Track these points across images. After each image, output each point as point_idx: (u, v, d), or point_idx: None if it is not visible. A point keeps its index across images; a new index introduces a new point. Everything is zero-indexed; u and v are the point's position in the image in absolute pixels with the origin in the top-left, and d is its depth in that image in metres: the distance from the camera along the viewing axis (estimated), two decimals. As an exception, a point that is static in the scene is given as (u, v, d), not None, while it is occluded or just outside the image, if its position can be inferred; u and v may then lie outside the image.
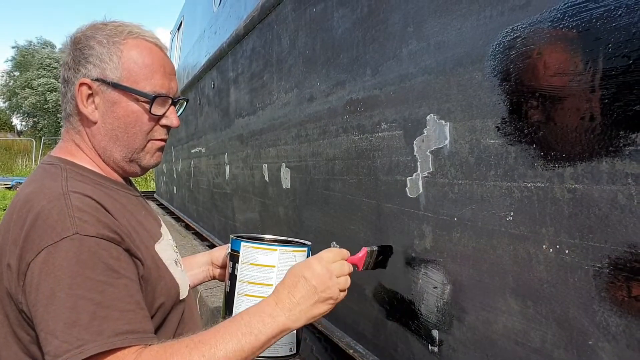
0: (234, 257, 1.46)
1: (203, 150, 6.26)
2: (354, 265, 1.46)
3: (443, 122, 1.71)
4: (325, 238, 2.74)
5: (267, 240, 1.57)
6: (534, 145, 1.33)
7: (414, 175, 1.89)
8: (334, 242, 2.64)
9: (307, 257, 1.47)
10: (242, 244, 1.47)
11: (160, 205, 11.40)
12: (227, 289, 1.48)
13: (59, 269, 1.05)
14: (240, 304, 1.44)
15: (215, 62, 5.19)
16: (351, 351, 2.42)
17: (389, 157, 2.06)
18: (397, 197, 2.02)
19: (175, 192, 9.53)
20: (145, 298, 1.21)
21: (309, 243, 1.54)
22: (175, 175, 9.39)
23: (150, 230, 1.39)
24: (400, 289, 2.02)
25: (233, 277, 1.46)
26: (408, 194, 1.94)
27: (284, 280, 1.27)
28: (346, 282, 1.32)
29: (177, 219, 8.82)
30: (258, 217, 4.01)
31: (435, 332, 1.80)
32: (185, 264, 1.64)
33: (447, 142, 1.70)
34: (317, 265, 1.27)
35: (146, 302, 1.21)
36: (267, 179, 3.71)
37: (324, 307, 1.27)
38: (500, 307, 1.48)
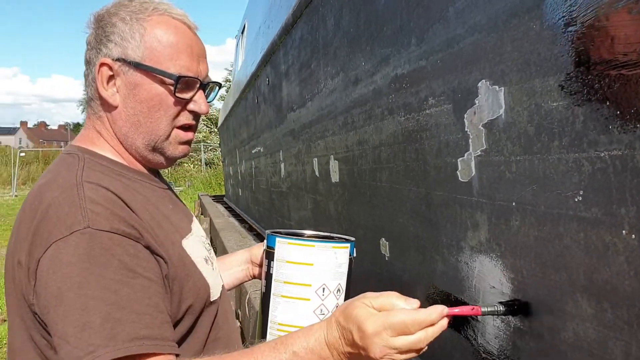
0: (269, 254, 1.32)
1: (261, 150, 6.15)
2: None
3: (497, 87, 1.43)
4: (373, 234, 2.48)
5: (305, 236, 1.37)
6: (608, 103, 1.04)
7: (466, 155, 1.61)
8: (383, 239, 2.38)
9: (349, 254, 1.30)
10: (277, 239, 1.31)
11: (228, 208, 11.49)
12: (263, 289, 1.34)
13: (67, 266, 0.96)
14: (276, 307, 1.28)
15: (268, 57, 5.05)
16: None
17: (437, 137, 1.79)
18: (447, 183, 1.74)
19: (240, 194, 9.53)
20: (172, 299, 1.10)
21: (352, 239, 1.36)
22: (239, 178, 9.39)
23: (178, 224, 1.25)
24: (453, 289, 1.74)
25: (269, 277, 1.31)
26: (459, 178, 1.66)
27: (341, 315, 1.05)
28: (409, 356, 1.03)
29: (242, 220, 8.80)
30: (310, 215, 3.80)
31: (494, 341, 1.50)
32: (224, 262, 1.52)
33: (502, 111, 1.41)
34: (372, 337, 1.00)
35: (172, 303, 1.09)
36: (317, 173, 3.50)
37: None
38: (570, 310, 1.18)
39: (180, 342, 1.12)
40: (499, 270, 1.46)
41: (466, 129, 1.60)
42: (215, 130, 29.21)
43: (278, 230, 1.40)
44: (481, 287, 1.56)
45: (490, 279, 1.51)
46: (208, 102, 1.26)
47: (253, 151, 6.96)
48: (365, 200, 2.57)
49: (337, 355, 1.02)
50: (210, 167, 37.03)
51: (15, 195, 24.53)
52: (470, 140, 1.58)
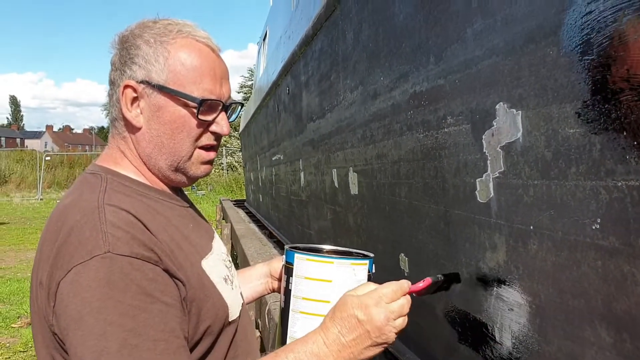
0: (288, 270, 1.32)
1: (282, 158, 6.19)
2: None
3: (514, 111, 1.43)
4: (393, 249, 2.49)
5: (323, 252, 1.39)
6: (625, 133, 1.04)
7: (484, 176, 1.61)
8: (402, 254, 2.39)
9: (368, 271, 1.29)
10: (296, 255, 1.31)
11: (248, 213, 11.55)
12: (282, 305, 1.34)
13: (87, 291, 0.98)
14: (295, 322, 1.29)
15: (289, 67, 5.08)
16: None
17: (456, 156, 1.80)
18: (466, 202, 1.74)
19: (260, 200, 9.59)
20: (190, 320, 1.11)
21: (371, 255, 1.36)
22: (260, 184, 9.45)
23: (198, 244, 1.27)
24: (472, 309, 1.74)
25: (287, 292, 1.32)
26: (478, 198, 1.66)
27: (335, 313, 1.14)
28: (403, 323, 1.16)
29: (262, 226, 8.84)
30: (330, 226, 3.82)
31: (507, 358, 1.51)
32: (243, 276, 1.53)
33: (519, 134, 1.41)
34: (373, 307, 1.13)
35: (190, 324, 1.11)
36: (336, 184, 3.51)
37: (376, 350, 1.15)
38: (588, 338, 1.18)
39: None
40: (517, 292, 1.46)
41: (484, 150, 1.60)
42: (236, 135, 29.39)
43: (296, 245, 1.41)
44: (499, 307, 1.56)
45: (507, 302, 1.51)
46: (230, 121, 1.29)
47: (273, 158, 7.01)
48: (385, 214, 2.58)
49: (338, 352, 1.09)
50: (232, 170, 37.26)
51: (41, 199, 24.93)
52: (488, 162, 1.58)
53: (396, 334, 1.13)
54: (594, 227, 1.14)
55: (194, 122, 1.20)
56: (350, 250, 1.46)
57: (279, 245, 6.53)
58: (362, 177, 2.92)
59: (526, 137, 1.39)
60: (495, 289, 1.58)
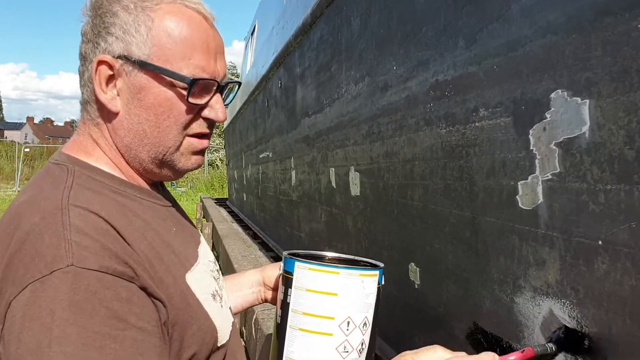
0: (287, 280, 1.14)
1: (270, 155, 5.91)
2: None
3: (578, 100, 1.18)
4: (401, 257, 2.23)
5: (327, 260, 1.18)
6: None
7: (530, 178, 1.36)
8: (412, 264, 2.13)
9: (378, 283, 1.12)
10: (297, 264, 1.13)
11: (231, 212, 11.24)
12: (278, 320, 1.16)
13: (47, 315, 0.80)
14: (292, 341, 1.11)
15: (282, 59, 4.81)
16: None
17: (490, 155, 1.54)
18: (502, 209, 1.49)
19: (245, 199, 9.30)
20: (171, 348, 0.93)
21: (380, 264, 1.17)
22: (245, 182, 9.15)
23: (182, 253, 1.06)
24: (506, 333, 1.49)
25: (285, 306, 1.14)
26: (520, 204, 1.41)
27: None
28: None
29: (246, 227, 8.55)
30: (324, 228, 3.55)
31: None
32: (232, 282, 1.35)
33: (585, 128, 1.16)
34: None
35: (172, 353, 0.93)
36: (334, 184, 3.25)
37: None
38: (688, 388, 0.92)
39: None
40: (574, 320, 1.21)
41: (531, 147, 1.35)
42: (218, 132, 29.07)
43: (296, 252, 1.20)
44: (545, 335, 1.31)
45: (557, 329, 1.26)
46: (226, 104, 1.06)
47: (261, 156, 6.72)
48: (392, 218, 2.32)
49: None
50: (213, 169, 37.03)
51: (18, 191, 24.35)
52: (537, 161, 1.33)
53: None
54: (701, 247, 0.89)
55: (183, 106, 0.99)
56: (356, 258, 1.27)
57: (264, 247, 6.25)
58: (366, 177, 2.66)
59: (596, 131, 1.13)
60: (542, 313, 1.33)
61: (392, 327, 2.30)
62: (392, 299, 2.36)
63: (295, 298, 1.12)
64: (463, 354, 0.93)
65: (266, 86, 6.00)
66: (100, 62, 0.96)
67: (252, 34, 10.09)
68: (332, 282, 1.09)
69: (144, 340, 0.83)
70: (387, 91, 2.31)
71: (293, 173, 4.57)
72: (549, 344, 1.13)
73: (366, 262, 1.22)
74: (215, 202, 14.47)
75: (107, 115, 1.00)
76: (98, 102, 0.99)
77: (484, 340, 1.60)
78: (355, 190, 2.84)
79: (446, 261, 1.84)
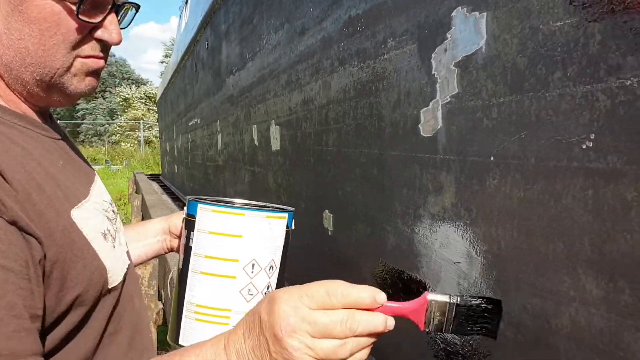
0: (189, 223, 1.08)
1: (198, 122, 5.74)
2: (402, 318, 0.79)
3: (477, 14, 1.14)
4: (317, 206, 2.18)
5: (233, 204, 1.11)
6: (644, 9, 0.76)
7: (431, 104, 1.32)
8: (327, 211, 2.08)
9: (287, 226, 1.06)
10: (200, 206, 1.07)
11: (163, 186, 10.93)
12: (180, 265, 1.10)
13: None
14: (194, 285, 1.05)
15: (208, 18, 4.64)
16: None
17: (396, 86, 1.50)
18: (406, 140, 1.45)
19: (176, 171, 9.05)
20: (50, 288, 0.83)
21: (290, 209, 1.12)
22: (176, 153, 8.90)
23: (68, 188, 0.94)
24: (408, 265, 1.46)
25: (187, 250, 1.08)
26: (421, 133, 1.37)
27: (252, 308, 0.80)
28: (337, 350, 0.71)
29: (176, 198, 8.34)
30: (247, 189, 3.47)
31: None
32: (136, 231, 1.26)
33: (482, 42, 1.12)
34: (283, 304, 0.73)
35: (50, 292, 0.83)
36: (256, 142, 3.16)
37: None
38: (566, 292, 0.91)
39: (63, 342, 0.86)
40: (467, 241, 1.19)
41: (433, 72, 1.31)
42: (154, 108, 28.27)
43: (202, 197, 1.14)
44: (443, 263, 1.29)
45: (455, 253, 1.23)
46: (122, 28, 0.95)
47: (190, 123, 6.53)
48: (309, 168, 2.27)
49: (237, 351, 0.76)
50: (149, 146, 36.11)
51: None
52: (437, 85, 1.29)
53: None
54: (584, 147, 0.87)
55: (73, 23, 0.88)
56: (267, 204, 1.21)
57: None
58: (285, 130, 2.59)
59: (491, 44, 1.10)
60: (438, 239, 1.30)
61: (308, 276, 2.26)
62: (309, 249, 2.31)
63: (198, 241, 1.07)
64: (341, 282, 0.80)
65: (194, 50, 5.80)
66: None
67: (186, 2, 9.78)
68: (237, 223, 1.04)
69: (7, 280, 0.73)
70: (304, 35, 2.24)
71: (219, 137, 4.44)
72: (452, 295, 1.02)
73: (275, 207, 1.17)
74: (148, 177, 14.08)
75: None
76: None
77: (389, 277, 1.57)
78: (275, 144, 2.77)
79: (356, 202, 1.80)
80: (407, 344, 1.50)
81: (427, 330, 0.82)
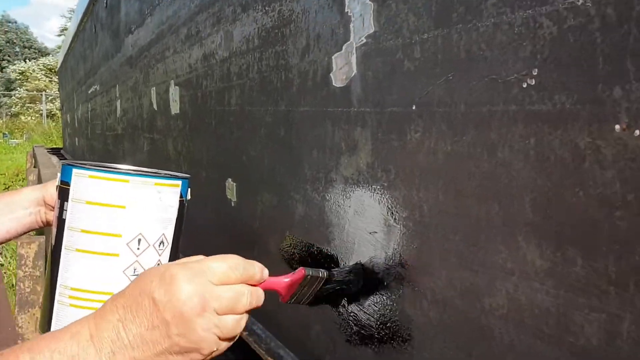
0: (63, 192, 0.96)
1: (98, 88, 5.29)
2: (272, 292, 0.87)
3: None
4: (219, 175, 1.96)
5: (116, 169, 0.98)
6: None
7: (344, 47, 1.13)
8: (230, 179, 1.86)
9: (181, 195, 0.95)
10: (74, 171, 0.94)
11: (64, 160, 10.23)
12: (53, 241, 0.97)
13: None
14: (68, 265, 0.92)
15: (105, -28, 4.22)
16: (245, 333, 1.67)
17: (305, 30, 1.29)
18: (316, 93, 1.26)
19: (77, 143, 8.45)
20: None
21: (185, 175, 0.99)
22: (76, 124, 8.29)
23: None
24: (318, 237, 1.28)
25: (60, 223, 0.95)
26: (333, 83, 1.18)
27: (125, 289, 0.74)
28: (236, 326, 0.72)
29: (78, 173, 7.78)
30: (146, 158, 3.17)
31: (371, 308, 1.07)
32: (4, 203, 1.12)
33: (403, -32, 0.94)
34: (184, 282, 0.70)
35: None
36: (155, 106, 2.87)
37: None
38: (503, 263, 0.75)
39: None
40: (384, 207, 1.01)
41: (346, 9, 1.11)
42: (56, 79, 26.56)
43: (81, 161, 0.94)
44: (357, 233, 1.11)
45: (370, 222, 1.06)
46: None
47: (89, 91, 6.03)
48: (210, 132, 2.03)
49: (111, 355, 0.67)
50: (53, 119, 34.05)
51: None
52: (351, 25, 1.10)
53: (224, 339, 0.70)
54: (524, 85, 0.71)
55: None
56: (158, 171, 1.02)
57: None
58: (185, 90, 2.33)
59: (414, -30, 0.92)
60: (351, 206, 1.12)
61: (207, 253, 2.04)
62: (210, 223, 2.09)
63: (73, 213, 0.92)
64: (230, 256, 0.79)
65: (93, 10, 5.31)
66: None
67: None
68: (119, 192, 0.90)
69: None
70: (204, -19, 1.98)
71: (118, 103, 4.07)
72: (322, 269, 0.97)
73: (168, 173, 0.98)
74: (48, 151, 13.17)
75: None
76: None
77: (297, 251, 1.39)
78: (175, 107, 2.50)
79: (262, 169, 1.59)
80: (315, 329, 1.32)
81: (289, 302, 0.90)
